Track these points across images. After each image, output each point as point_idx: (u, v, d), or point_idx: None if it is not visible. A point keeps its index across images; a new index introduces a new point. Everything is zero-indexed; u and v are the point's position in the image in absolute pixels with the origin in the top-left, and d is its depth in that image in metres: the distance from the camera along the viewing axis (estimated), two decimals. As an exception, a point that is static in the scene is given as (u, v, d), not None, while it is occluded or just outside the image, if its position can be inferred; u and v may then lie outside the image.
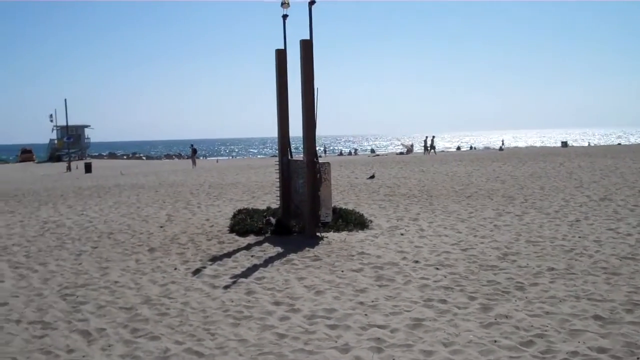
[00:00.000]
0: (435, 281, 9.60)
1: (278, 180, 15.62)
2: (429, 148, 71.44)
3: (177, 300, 9.01)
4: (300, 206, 14.19)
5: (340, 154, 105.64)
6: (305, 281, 9.90)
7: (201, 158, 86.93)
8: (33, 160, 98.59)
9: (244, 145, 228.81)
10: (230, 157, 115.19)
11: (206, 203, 21.00)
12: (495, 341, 6.83)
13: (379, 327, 7.46)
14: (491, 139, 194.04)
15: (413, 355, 6.54)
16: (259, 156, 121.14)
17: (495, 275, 9.80)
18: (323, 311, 8.22)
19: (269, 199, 21.21)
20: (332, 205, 14.26)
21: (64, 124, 76.36)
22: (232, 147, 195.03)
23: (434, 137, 72.92)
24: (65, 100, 74.21)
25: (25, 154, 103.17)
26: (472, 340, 6.88)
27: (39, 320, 8.21)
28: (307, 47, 13.45)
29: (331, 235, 13.67)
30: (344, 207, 17.18)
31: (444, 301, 8.49)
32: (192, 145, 64.02)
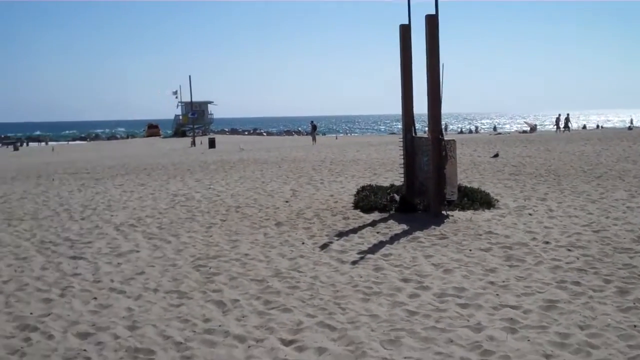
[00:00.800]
0: (567, 263, 9.36)
1: (401, 157, 15.59)
2: (562, 126, 68.91)
3: (307, 274, 9.23)
4: (425, 184, 14.13)
5: (461, 132, 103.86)
6: (432, 259, 9.90)
7: (320, 135, 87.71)
8: (159, 135, 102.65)
9: (363, 122, 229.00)
10: (348, 134, 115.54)
11: (329, 179, 21.25)
12: (635, 326, 6.61)
13: (511, 307, 7.37)
14: (603, 118, 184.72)
15: (548, 337, 6.43)
16: (376, 133, 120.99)
17: (631, 259, 9.44)
18: (453, 289, 8.20)
19: (391, 176, 21.22)
20: (457, 184, 14.11)
21: (189, 100, 78.91)
22: (350, 124, 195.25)
23: (568, 115, 70.14)
24: (190, 77, 76.86)
25: (152, 129, 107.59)
26: (610, 324, 6.69)
27: (175, 290, 8.62)
28: (432, 23, 13.29)
29: (456, 214, 13.55)
30: (468, 185, 16.95)
31: (577, 283, 8.28)
32: (312, 122, 64.71)
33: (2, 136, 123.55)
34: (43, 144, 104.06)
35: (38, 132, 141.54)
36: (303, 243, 11.39)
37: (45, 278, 9.44)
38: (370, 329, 6.84)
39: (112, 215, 15.09)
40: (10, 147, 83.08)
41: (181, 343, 6.60)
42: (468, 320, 7.00)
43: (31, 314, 7.71)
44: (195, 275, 9.39)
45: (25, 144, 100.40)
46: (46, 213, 15.82)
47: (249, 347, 6.49)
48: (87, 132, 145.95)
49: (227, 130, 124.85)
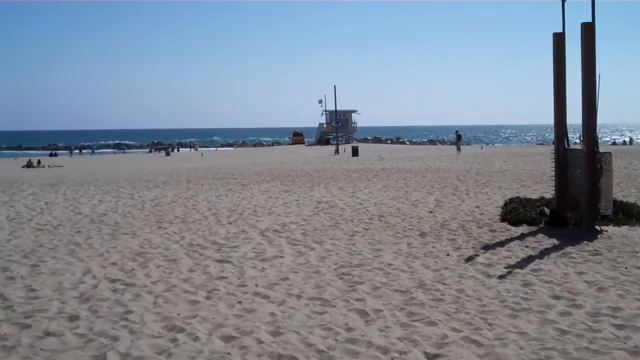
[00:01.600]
0: None
1: (552, 169, 14.96)
2: None
3: (452, 287, 8.98)
4: (578, 197, 13.45)
5: (613, 143, 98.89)
6: (585, 276, 9.36)
7: (465, 144, 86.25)
8: (303, 143, 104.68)
9: (508, 132, 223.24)
10: (492, 144, 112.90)
11: (474, 190, 20.76)
12: None
13: (677, 332, 6.82)
14: None
15: None
16: (522, 144, 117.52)
17: None
18: (608, 309, 7.70)
19: (539, 188, 20.46)
20: (612, 198, 13.35)
21: (333, 108, 79.85)
22: (493, 135, 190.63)
23: None
24: (335, 86, 77.75)
25: (297, 136, 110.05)
26: None
27: (318, 297, 8.62)
28: (588, 31, 12.69)
29: (610, 229, 12.80)
30: (623, 200, 16.00)
31: None
32: (457, 131, 63.70)
33: (155, 142, 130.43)
34: (192, 149, 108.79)
35: (192, 139, 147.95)
36: (448, 255, 11.13)
37: (193, 280, 9.71)
38: (518, 347, 6.52)
39: (257, 221, 15.41)
40: (163, 153, 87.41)
41: (323, 351, 6.55)
42: (625, 343, 6.54)
43: (178, 315, 7.93)
44: (338, 283, 9.36)
45: (176, 149, 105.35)
46: (195, 217, 16.39)
47: (392, 358, 6.35)
48: (233, 139, 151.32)
49: (369, 138, 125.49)
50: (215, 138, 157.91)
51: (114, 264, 10.96)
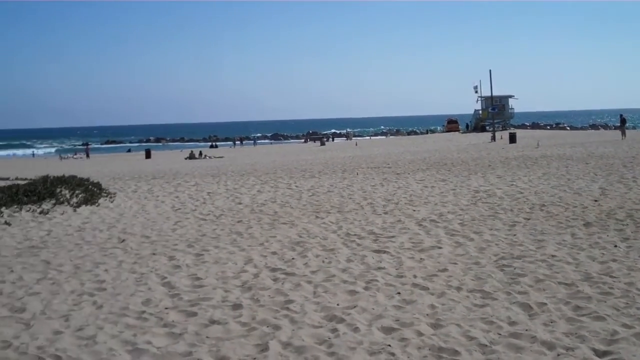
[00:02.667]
0: None
1: None
2: None
3: (621, 280, 8.51)
4: None
5: None
6: None
7: (630, 129, 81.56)
8: (458, 131, 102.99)
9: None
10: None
11: (645, 176, 19.60)
12: None
13: None
14: None
15: None
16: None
17: None
18: None
19: None
20: None
21: (489, 94, 77.97)
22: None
23: None
24: (490, 71, 75.87)
25: (451, 124, 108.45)
26: None
27: (479, 289, 8.43)
28: None
29: None
30: None
31: None
32: (621, 115, 60.33)
33: (310, 132, 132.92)
34: (347, 139, 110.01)
35: (349, 129, 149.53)
36: (615, 246, 10.56)
37: (351, 270, 9.78)
38: (703, 348, 6.07)
39: (414, 210, 15.31)
40: (318, 143, 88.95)
41: (486, 345, 6.40)
42: None
43: (338, 305, 8.01)
44: (499, 275, 9.11)
45: (331, 139, 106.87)
46: (351, 206, 16.51)
47: (558, 355, 6.11)
48: (388, 127, 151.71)
49: (527, 124, 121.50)
50: (370, 129, 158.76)
51: (274, 253, 11.25)
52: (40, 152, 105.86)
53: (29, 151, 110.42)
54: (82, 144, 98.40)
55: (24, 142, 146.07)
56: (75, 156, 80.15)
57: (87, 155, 77.23)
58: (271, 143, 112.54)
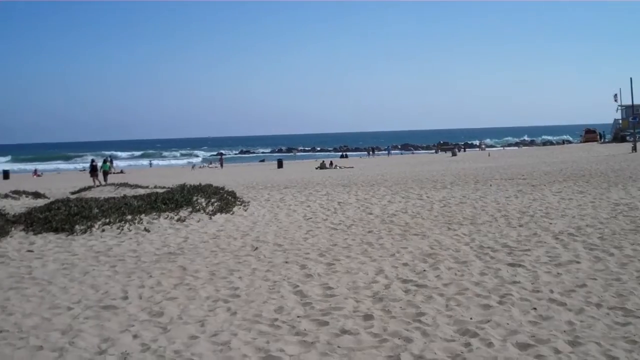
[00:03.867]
0: None
1: None
2: None
3: None
4: None
5: None
6: None
7: None
8: (597, 141, 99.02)
9: None
10: None
11: None
12: None
13: None
14: None
15: None
16: None
17: None
18: None
19: None
20: None
21: (629, 103, 74.54)
22: None
23: None
24: (631, 79, 72.52)
25: (589, 134, 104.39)
26: None
27: (620, 307, 8.06)
28: None
29: None
30: None
31: None
32: None
33: (441, 142, 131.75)
34: (479, 149, 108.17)
35: (482, 140, 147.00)
36: None
37: (484, 284, 9.60)
38: None
39: (550, 223, 14.83)
40: (449, 153, 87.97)
41: (629, 367, 6.12)
42: None
43: (471, 319, 7.88)
44: (642, 292, 8.69)
45: (462, 149, 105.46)
46: (484, 218, 16.20)
47: None
48: (521, 138, 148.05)
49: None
50: (507, 138, 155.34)
51: (405, 264, 11.20)
52: (195, 160, 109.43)
53: (165, 162, 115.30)
54: (217, 154, 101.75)
55: (161, 151, 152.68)
56: (210, 165, 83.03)
57: (221, 165, 79.80)
58: (401, 153, 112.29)
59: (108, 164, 51.39)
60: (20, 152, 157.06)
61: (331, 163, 62.86)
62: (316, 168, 59.12)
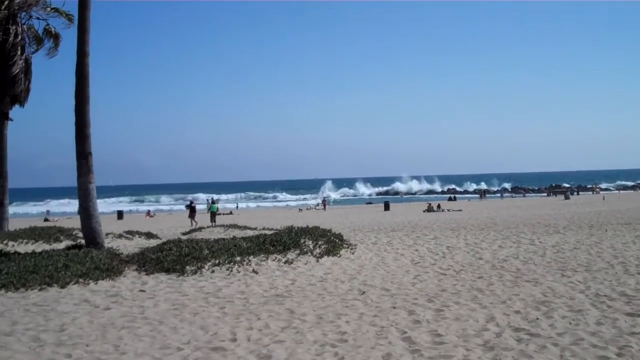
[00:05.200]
0: None
1: None
2: None
3: None
4: None
5: None
6: None
7: None
8: None
9: None
10: None
11: None
12: None
13: None
14: None
15: None
16: None
17: None
18: None
19: None
20: None
21: None
22: None
23: None
24: None
25: None
26: None
27: None
28: None
29: None
30: None
31: None
32: None
33: (553, 185, 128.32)
34: (593, 192, 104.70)
35: (592, 184, 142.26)
36: None
37: (601, 334, 9.24)
38: None
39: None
40: (561, 196, 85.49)
41: None
42: None
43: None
44: None
45: (575, 192, 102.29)
46: (600, 265, 15.64)
47: None
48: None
49: None
50: (619, 182, 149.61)
51: (517, 312, 10.93)
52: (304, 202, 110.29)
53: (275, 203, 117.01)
54: (322, 199, 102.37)
55: (272, 192, 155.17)
56: (317, 207, 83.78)
57: (324, 207, 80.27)
58: (512, 196, 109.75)
59: (216, 205, 52.76)
60: (137, 191, 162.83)
61: (439, 206, 62.27)
62: (424, 211, 58.68)
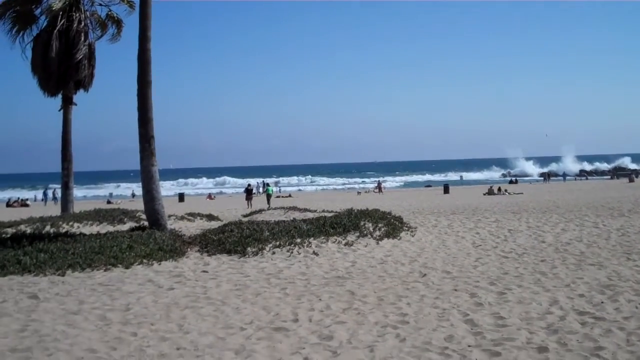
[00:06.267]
0: None
1: None
2: None
3: None
4: None
5: None
6: None
7: None
8: None
9: None
10: None
11: None
12: None
13: None
14: None
15: None
16: None
17: None
18: None
19: None
20: None
21: None
22: None
23: None
24: None
25: None
26: None
27: None
28: None
29: None
30: None
31: None
32: None
33: (616, 167, 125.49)
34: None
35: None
36: None
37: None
38: None
39: None
40: (625, 179, 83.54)
41: None
42: None
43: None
44: None
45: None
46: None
47: None
48: None
49: None
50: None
51: (581, 295, 10.80)
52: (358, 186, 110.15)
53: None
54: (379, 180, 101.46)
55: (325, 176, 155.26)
56: (374, 190, 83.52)
57: (380, 190, 79.69)
58: (575, 179, 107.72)
59: (272, 187, 53.93)
60: (196, 174, 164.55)
61: (499, 189, 61.44)
62: (484, 194, 57.98)
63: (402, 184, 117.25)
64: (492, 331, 8.86)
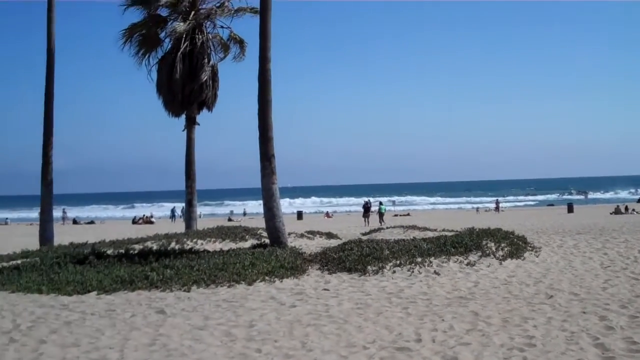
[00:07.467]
0: None
1: None
2: None
3: None
4: None
5: None
6: None
7: None
8: None
9: None
10: None
11: None
12: None
13: None
14: None
15: None
16: None
17: None
18: None
19: None
20: None
21: None
22: None
23: None
24: None
25: None
26: None
27: None
28: None
29: None
30: None
31: None
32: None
33: None
34: None
35: None
36: None
37: None
38: None
39: None
40: None
41: None
42: None
43: None
44: None
45: None
46: None
47: None
48: None
49: None
50: None
51: None
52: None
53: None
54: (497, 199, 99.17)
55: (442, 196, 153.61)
56: (486, 210, 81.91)
57: (497, 209, 77.99)
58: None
59: (384, 206, 54.63)
60: (313, 193, 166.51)
61: (626, 208, 59.11)
62: (611, 213, 55.92)
63: (522, 203, 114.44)
64: (624, 356, 8.57)
